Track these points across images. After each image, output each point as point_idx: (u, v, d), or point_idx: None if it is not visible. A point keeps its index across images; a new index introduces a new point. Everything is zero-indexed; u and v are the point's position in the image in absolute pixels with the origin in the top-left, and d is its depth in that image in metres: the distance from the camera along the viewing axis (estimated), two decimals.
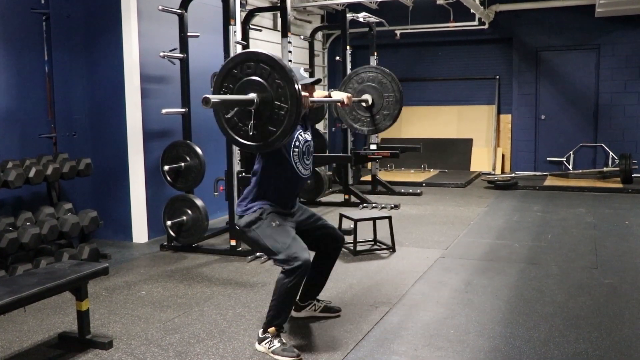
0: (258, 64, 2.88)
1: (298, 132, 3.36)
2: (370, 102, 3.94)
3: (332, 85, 11.08)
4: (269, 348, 3.20)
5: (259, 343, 3.27)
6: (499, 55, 10.93)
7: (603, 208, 7.41)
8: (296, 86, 2.84)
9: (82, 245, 5.01)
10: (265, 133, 2.93)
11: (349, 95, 3.73)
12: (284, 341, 3.24)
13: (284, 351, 3.17)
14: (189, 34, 5.55)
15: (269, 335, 3.22)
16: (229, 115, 3.02)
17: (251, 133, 2.92)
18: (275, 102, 2.87)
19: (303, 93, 3.00)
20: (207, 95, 2.75)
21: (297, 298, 3.63)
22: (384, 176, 9.37)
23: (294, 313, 3.64)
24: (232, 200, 5.31)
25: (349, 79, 4.23)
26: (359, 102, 3.93)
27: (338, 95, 3.76)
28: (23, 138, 5.22)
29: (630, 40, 9.79)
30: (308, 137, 3.46)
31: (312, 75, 9.01)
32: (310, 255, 3.25)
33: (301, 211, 3.50)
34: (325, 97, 3.81)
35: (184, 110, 5.54)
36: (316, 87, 3.80)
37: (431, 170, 10.78)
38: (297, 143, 3.32)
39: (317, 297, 3.72)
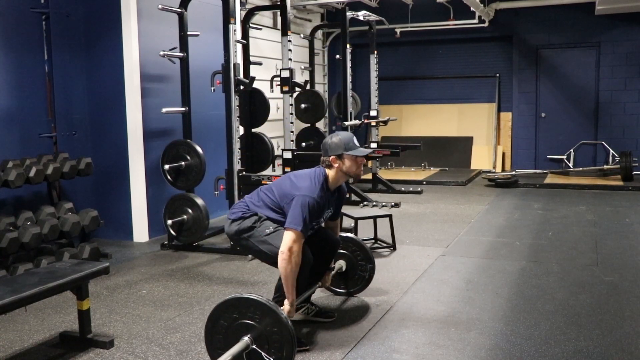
0: (257, 311, 2.79)
1: (326, 212, 3.36)
2: (343, 268, 3.99)
3: (331, 84, 11.08)
4: None
5: None
6: (499, 53, 10.92)
7: (603, 206, 7.40)
8: (290, 329, 2.74)
9: (83, 245, 5.01)
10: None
11: (327, 285, 3.76)
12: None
13: None
14: (189, 33, 5.55)
15: None
16: None
17: None
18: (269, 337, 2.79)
19: (287, 311, 3.02)
20: None
21: None
22: (385, 174, 9.36)
23: None
24: (232, 199, 5.31)
25: None
26: (335, 273, 3.97)
27: (323, 280, 3.69)
28: (23, 138, 5.22)
29: (630, 38, 9.78)
30: (331, 212, 3.44)
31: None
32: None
33: None
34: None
35: (184, 109, 5.54)
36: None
37: (431, 168, 10.77)
38: (315, 225, 3.33)
39: (311, 301, 3.69)
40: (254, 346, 2.77)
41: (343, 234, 3.99)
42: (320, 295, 4.06)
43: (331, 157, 3.27)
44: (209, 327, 2.91)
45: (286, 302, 3.13)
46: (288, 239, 3.07)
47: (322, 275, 3.65)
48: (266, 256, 3.28)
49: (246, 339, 2.77)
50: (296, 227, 3.07)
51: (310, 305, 3.66)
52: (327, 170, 3.31)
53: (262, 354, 2.75)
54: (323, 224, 3.48)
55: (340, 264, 3.98)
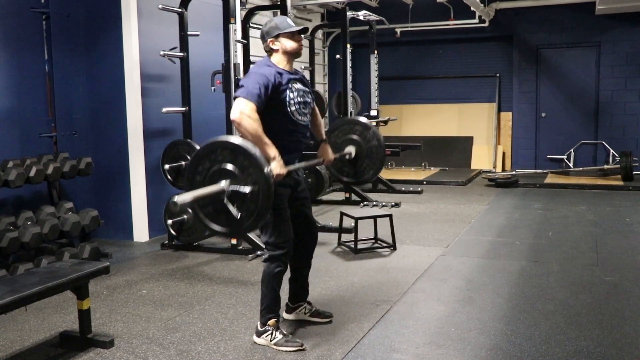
0: (224, 152, 2.87)
1: (291, 84, 3.27)
2: (352, 154, 3.89)
3: (332, 84, 11.08)
4: (271, 340, 3.21)
5: (259, 336, 3.27)
6: (500, 53, 10.92)
7: (604, 205, 7.40)
8: (265, 170, 2.80)
9: (83, 245, 5.01)
10: (241, 218, 2.89)
11: (330, 158, 3.63)
12: (285, 332, 3.25)
13: (287, 342, 3.19)
14: (189, 32, 5.55)
15: (270, 327, 3.23)
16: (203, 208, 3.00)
17: (230, 218, 2.90)
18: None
19: (275, 171, 2.94)
20: (174, 199, 2.70)
21: (288, 299, 3.61)
22: (385, 174, 9.35)
23: (284, 315, 3.61)
24: None
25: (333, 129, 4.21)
26: (342, 156, 3.88)
27: (323, 152, 3.63)
28: (23, 137, 5.22)
29: (630, 38, 9.79)
30: (302, 86, 3.37)
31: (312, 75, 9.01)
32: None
33: (303, 188, 3.44)
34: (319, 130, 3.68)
35: (184, 109, 5.54)
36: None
37: (432, 168, 10.77)
38: (292, 95, 3.23)
39: (308, 300, 3.65)
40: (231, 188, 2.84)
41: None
42: (320, 293, 4.07)
43: (269, 41, 3.30)
44: (192, 164, 2.99)
45: (272, 162, 2.99)
46: (236, 105, 3.02)
47: (307, 267, 3.57)
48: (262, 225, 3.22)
49: (224, 183, 2.84)
50: (240, 95, 3.04)
51: (307, 304, 3.64)
52: (271, 57, 3.33)
53: (239, 188, 2.84)
54: (312, 104, 3.41)
55: (350, 149, 3.88)
